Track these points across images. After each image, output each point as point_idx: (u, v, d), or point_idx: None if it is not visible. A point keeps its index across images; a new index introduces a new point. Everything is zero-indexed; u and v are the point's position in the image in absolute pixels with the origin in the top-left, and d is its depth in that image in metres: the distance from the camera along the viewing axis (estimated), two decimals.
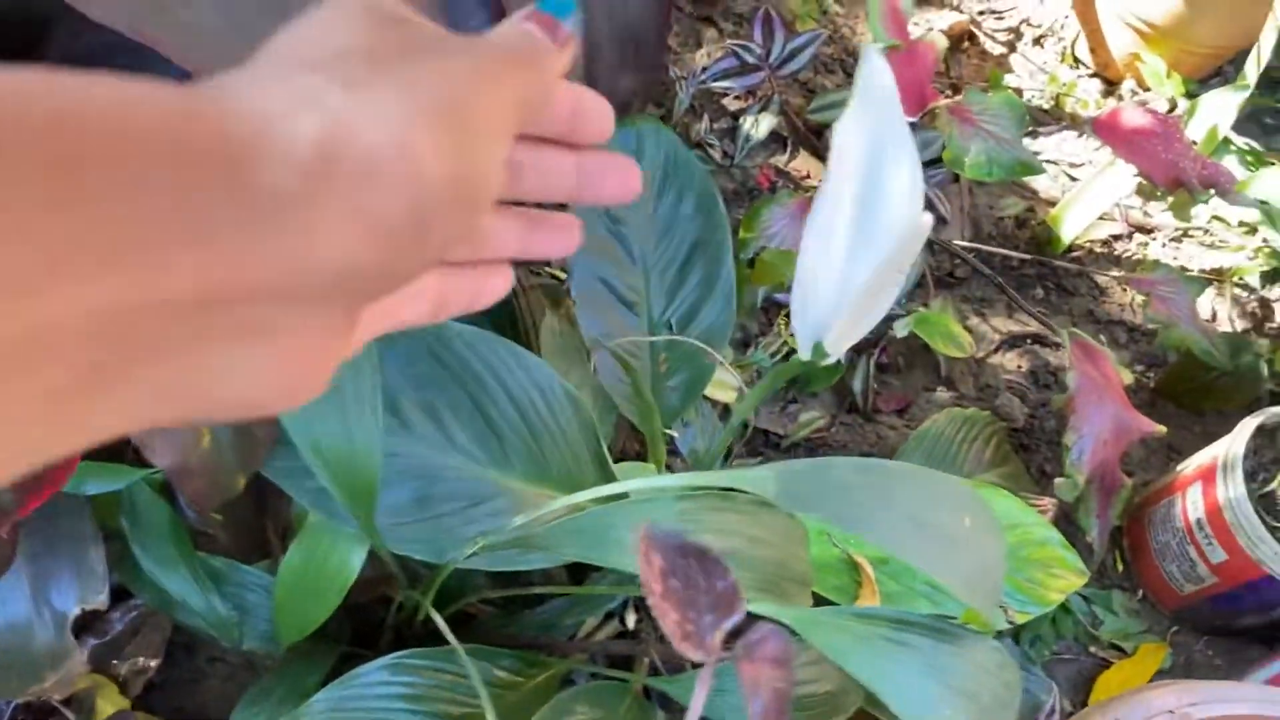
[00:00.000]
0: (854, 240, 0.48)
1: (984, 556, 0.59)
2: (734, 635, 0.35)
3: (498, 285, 0.34)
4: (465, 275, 0.33)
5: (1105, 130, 0.99)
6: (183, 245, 0.20)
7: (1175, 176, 0.99)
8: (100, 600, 0.65)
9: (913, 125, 1.08)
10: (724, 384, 0.97)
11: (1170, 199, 1.03)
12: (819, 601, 0.74)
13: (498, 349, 0.68)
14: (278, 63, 0.24)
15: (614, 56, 0.78)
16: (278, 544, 0.76)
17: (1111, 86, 1.41)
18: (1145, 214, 1.31)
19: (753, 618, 0.35)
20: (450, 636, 0.61)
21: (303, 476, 0.63)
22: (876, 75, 0.48)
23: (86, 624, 0.68)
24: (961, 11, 1.42)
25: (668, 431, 0.92)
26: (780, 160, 1.22)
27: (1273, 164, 1.28)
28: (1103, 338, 1.21)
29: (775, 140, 1.22)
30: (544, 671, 0.73)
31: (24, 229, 0.17)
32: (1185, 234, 1.30)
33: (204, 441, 0.59)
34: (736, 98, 1.24)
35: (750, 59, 1.15)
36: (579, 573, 0.83)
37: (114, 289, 0.19)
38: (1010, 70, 1.40)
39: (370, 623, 0.77)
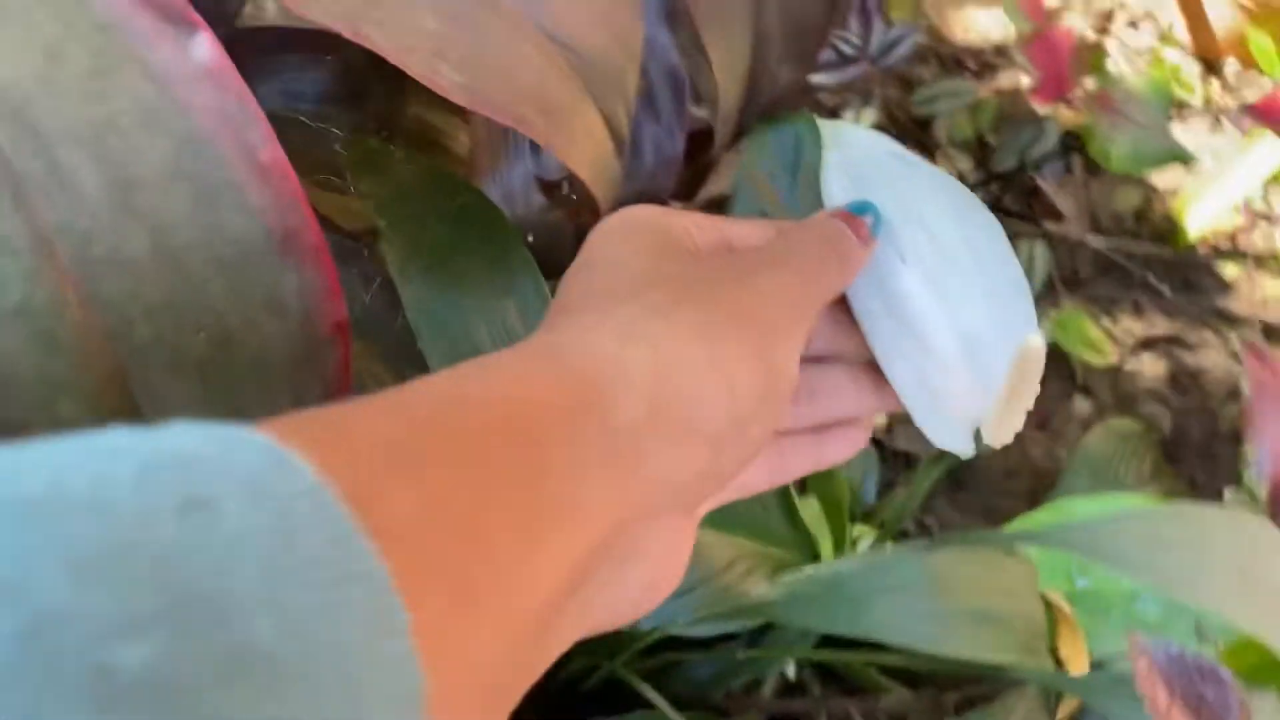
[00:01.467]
0: (977, 327, 0.36)
1: None
2: None
3: (842, 447, 0.34)
4: (803, 441, 0.34)
5: (1267, 114, 0.92)
6: (600, 496, 0.22)
7: None
8: None
9: (1042, 116, 1.00)
10: None
11: None
12: None
13: None
14: (589, 301, 0.27)
15: (780, 49, 0.70)
16: None
17: (1211, 68, 1.33)
18: (1265, 204, 1.23)
19: None
20: (662, 703, 0.53)
21: None
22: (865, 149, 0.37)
23: None
24: None
25: None
26: None
27: None
28: (1234, 336, 1.14)
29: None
30: None
31: (514, 506, 0.20)
32: None
33: None
34: (832, 92, 1.16)
35: (849, 50, 1.07)
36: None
37: (579, 539, 0.22)
38: (1106, 55, 1.32)
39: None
